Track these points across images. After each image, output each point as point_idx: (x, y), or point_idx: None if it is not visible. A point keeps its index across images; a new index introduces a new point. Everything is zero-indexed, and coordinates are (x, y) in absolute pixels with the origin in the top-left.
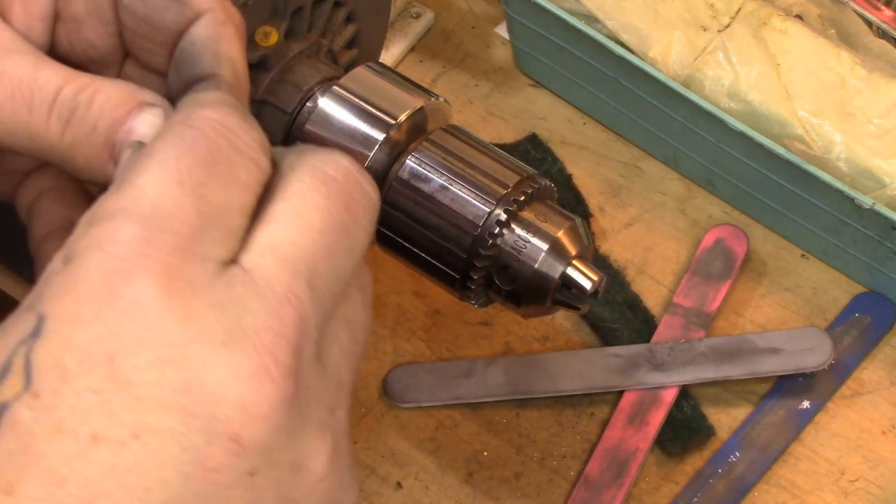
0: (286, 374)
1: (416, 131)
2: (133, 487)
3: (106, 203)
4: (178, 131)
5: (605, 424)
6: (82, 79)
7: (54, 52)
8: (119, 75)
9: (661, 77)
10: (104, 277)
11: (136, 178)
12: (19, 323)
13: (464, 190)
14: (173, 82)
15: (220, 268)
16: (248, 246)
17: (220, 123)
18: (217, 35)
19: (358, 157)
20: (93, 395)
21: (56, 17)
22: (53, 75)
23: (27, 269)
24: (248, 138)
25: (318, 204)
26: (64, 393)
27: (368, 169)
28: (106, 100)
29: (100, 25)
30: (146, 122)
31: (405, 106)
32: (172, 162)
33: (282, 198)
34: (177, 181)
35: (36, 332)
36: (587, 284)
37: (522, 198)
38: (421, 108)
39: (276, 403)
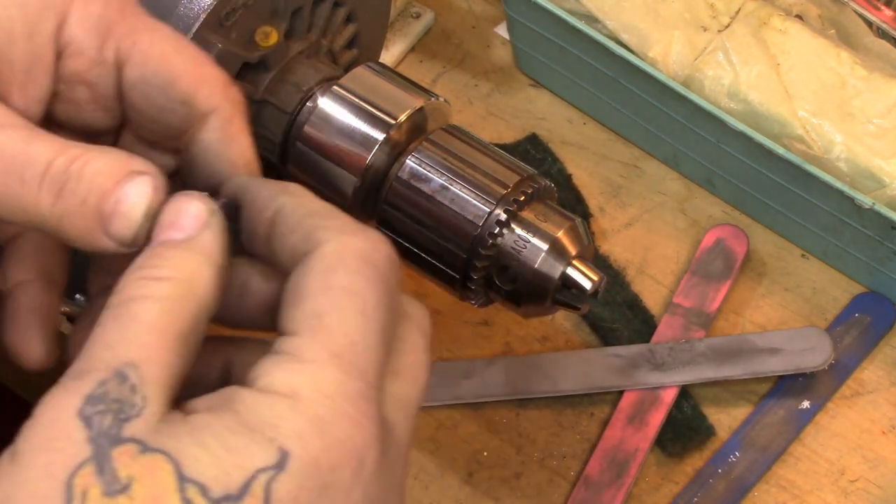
0: None
1: (416, 131)
2: None
3: (316, 341)
4: (365, 271)
5: (605, 424)
6: (74, 150)
7: (51, 120)
8: (116, 144)
9: (661, 77)
10: (345, 436)
11: (343, 322)
12: (257, 451)
13: (464, 190)
14: (189, 183)
15: (386, 425)
16: (385, 396)
17: (392, 260)
18: (228, 138)
19: (358, 157)
20: None
21: (56, 97)
22: (45, 148)
23: None
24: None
25: (426, 365)
26: None
27: (368, 169)
28: (96, 172)
29: (100, 111)
30: (135, 192)
31: (405, 106)
32: (372, 312)
33: (405, 352)
34: (378, 331)
35: (279, 466)
36: (587, 284)
37: (522, 198)
38: (421, 108)
39: None
